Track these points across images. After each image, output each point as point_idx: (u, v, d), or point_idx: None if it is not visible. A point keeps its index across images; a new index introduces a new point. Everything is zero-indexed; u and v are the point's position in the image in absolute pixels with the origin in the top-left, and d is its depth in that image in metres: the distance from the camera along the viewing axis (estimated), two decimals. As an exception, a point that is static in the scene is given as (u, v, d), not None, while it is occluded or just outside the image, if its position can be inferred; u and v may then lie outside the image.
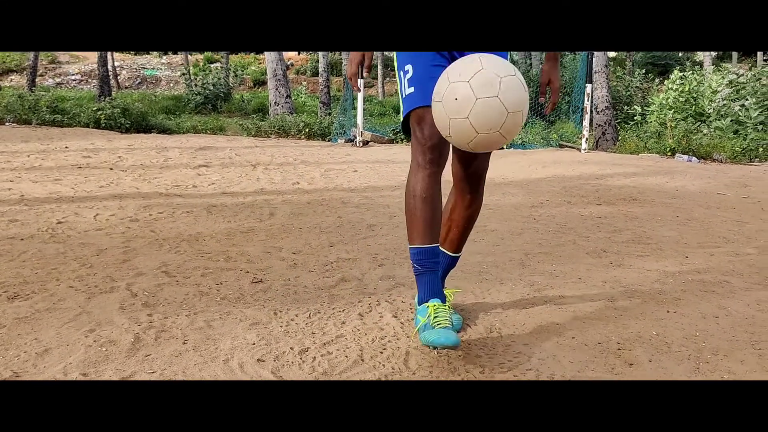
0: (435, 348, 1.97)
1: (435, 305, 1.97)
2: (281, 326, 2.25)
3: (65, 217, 3.89)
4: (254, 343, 2.08)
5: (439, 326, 1.90)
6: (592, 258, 3.38)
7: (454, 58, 2.03)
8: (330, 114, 13.89)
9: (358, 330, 2.25)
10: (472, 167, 2.19)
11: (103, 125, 10.35)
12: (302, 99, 19.62)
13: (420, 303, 2.04)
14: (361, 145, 9.52)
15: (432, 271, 2.03)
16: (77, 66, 24.88)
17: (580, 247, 3.61)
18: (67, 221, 3.78)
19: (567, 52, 17.81)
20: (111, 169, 5.98)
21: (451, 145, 2.06)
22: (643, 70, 18.95)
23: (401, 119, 2.14)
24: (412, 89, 2.06)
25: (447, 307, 1.98)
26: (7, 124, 10.09)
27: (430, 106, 1.96)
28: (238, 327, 2.23)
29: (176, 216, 4.06)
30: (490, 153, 2.17)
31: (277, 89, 13.53)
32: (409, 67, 2.08)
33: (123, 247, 3.25)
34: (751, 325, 2.43)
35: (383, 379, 1.88)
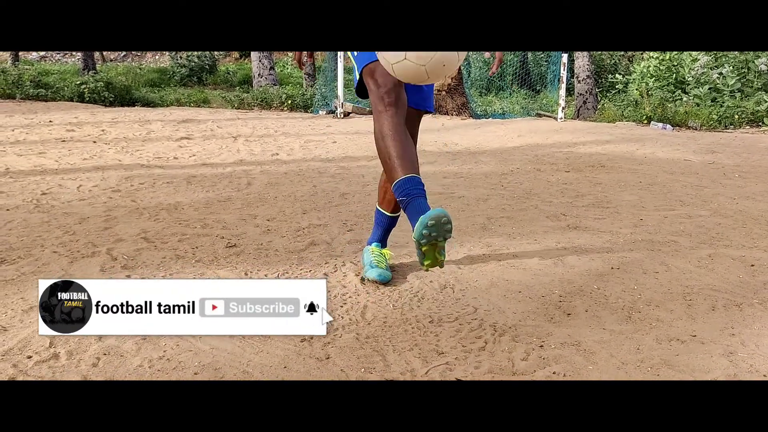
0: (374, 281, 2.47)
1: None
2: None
3: (49, 188, 4.04)
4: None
5: (380, 265, 2.49)
6: (551, 221, 3.58)
7: None
8: (313, 86, 13.96)
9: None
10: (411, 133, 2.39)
11: (87, 99, 10.42)
12: (288, 70, 19.61)
13: (413, 224, 2.03)
14: (342, 116, 9.65)
15: (420, 196, 2.05)
16: (60, 39, 24.67)
17: (541, 212, 3.80)
18: (51, 192, 3.93)
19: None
20: (94, 142, 6.10)
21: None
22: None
23: (355, 84, 2.33)
24: (359, 55, 2.25)
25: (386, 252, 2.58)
26: (-10, 99, 10.15)
27: (377, 61, 2.14)
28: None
29: (157, 186, 4.22)
30: (419, 123, 2.44)
31: (260, 61, 13.57)
32: (357, 53, 2.27)
33: (104, 216, 3.41)
34: (687, 279, 2.64)
35: (340, 330, 2.07)
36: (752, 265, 2.83)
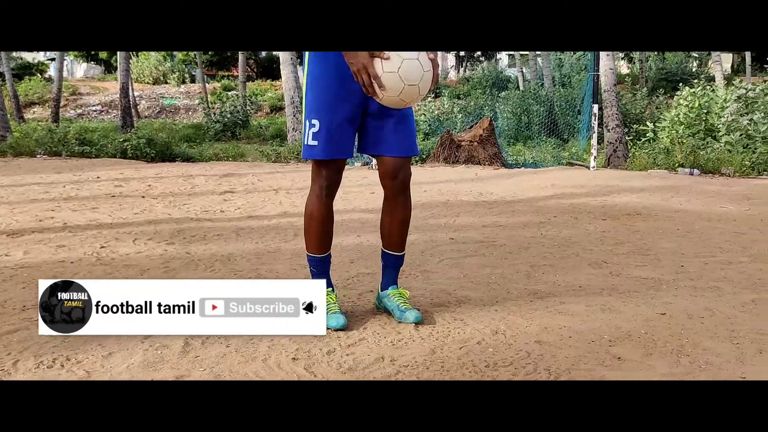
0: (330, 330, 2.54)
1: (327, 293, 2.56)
2: (311, 332, 2.56)
3: (107, 242, 4.23)
4: (288, 345, 2.39)
5: (330, 312, 2.57)
6: (594, 269, 3.66)
7: (357, 123, 2.56)
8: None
9: (378, 333, 2.54)
10: (399, 177, 2.61)
11: (130, 155, 10.81)
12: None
13: None
14: (377, 168, 9.85)
15: (323, 274, 2.69)
16: (97, 97, 25.54)
17: (582, 259, 3.89)
18: (109, 245, 4.12)
19: (575, 74, 18.14)
20: (143, 197, 6.35)
21: (377, 169, 2.62)
22: (650, 88, 19.24)
23: (303, 155, 2.60)
24: (315, 142, 2.50)
25: (334, 295, 2.69)
26: (38, 156, 10.56)
27: (330, 160, 2.52)
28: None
29: (208, 239, 4.39)
30: (410, 165, 2.65)
31: (294, 116, 13.96)
32: (316, 122, 2.48)
33: (163, 267, 3.58)
34: (732, 323, 2.70)
35: (402, 377, 2.18)
36: (797, 310, 2.88)
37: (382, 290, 2.81)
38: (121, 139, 11.27)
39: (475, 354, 2.35)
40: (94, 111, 24.40)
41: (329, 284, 2.71)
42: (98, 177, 7.78)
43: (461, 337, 2.53)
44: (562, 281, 3.38)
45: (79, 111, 24.15)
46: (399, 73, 2.30)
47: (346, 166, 2.92)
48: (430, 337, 2.53)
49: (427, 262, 3.75)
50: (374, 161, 9.89)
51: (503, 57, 34.53)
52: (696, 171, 9.67)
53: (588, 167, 9.86)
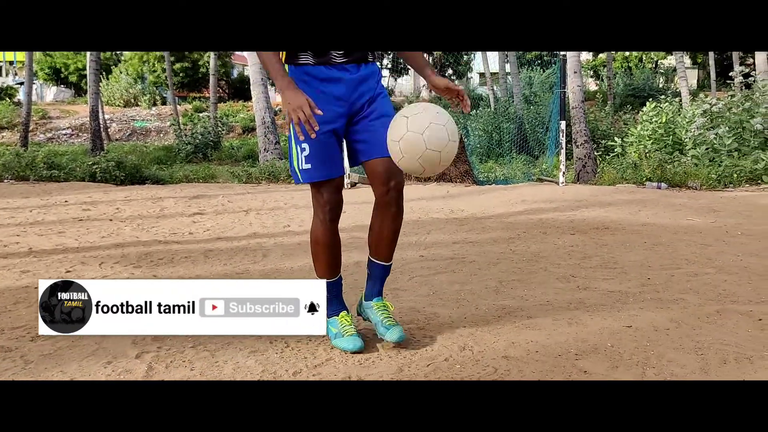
0: (346, 352, 2.53)
1: (342, 315, 2.61)
2: (277, 353, 2.53)
3: (72, 266, 4.16)
4: (254, 368, 2.36)
5: (347, 334, 2.56)
6: (562, 283, 3.69)
7: (341, 139, 2.58)
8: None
9: (345, 353, 2.53)
10: (392, 184, 2.56)
11: (99, 178, 10.68)
12: (291, 144, 20.00)
13: (330, 316, 2.60)
14: (349, 187, 9.86)
15: (335, 297, 2.67)
16: (67, 121, 25.29)
17: (551, 274, 3.91)
18: (74, 270, 4.06)
19: (543, 92, 18.40)
20: (110, 220, 6.27)
21: (369, 177, 2.59)
22: (618, 104, 19.58)
23: (296, 178, 2.58)
24: (309, 165, 2.50)
25: (350, 317, 2.66)
26: (5, 181, 10.40)
27: (326, 180, 2.52)
28: (238, 355, 2.51)
29: (176, 261, 4.34)
30: (402, 173, 2.59)
31: (266, 136, 13.93)
32: (306, 146, 2.48)
33: (129, 291, 3.52)
34: (698, 335, 2.73)
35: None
36: (760, 320, 2.92)
37: (366, 299, 2.74)
38: (90, 163, 11.13)
39: (442, 371, 2.35)
40: (64, 135, 24.15)
41: (343, 306, 2.70)
42: (66, 201, 7.67)
43: (429, 354, 2.52)
44: (530, 296, 3.39)
45: (48, 135, 23.87)
46: (423, 136, 2.26)
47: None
48: (398, 355, 2.52)
49: (397, 280, 3.75)
50: (346, 180, 9.90)
51: (474, 75, 34.91)
52: (663, 185, 9.83)
53: (557, 183, 9.95)
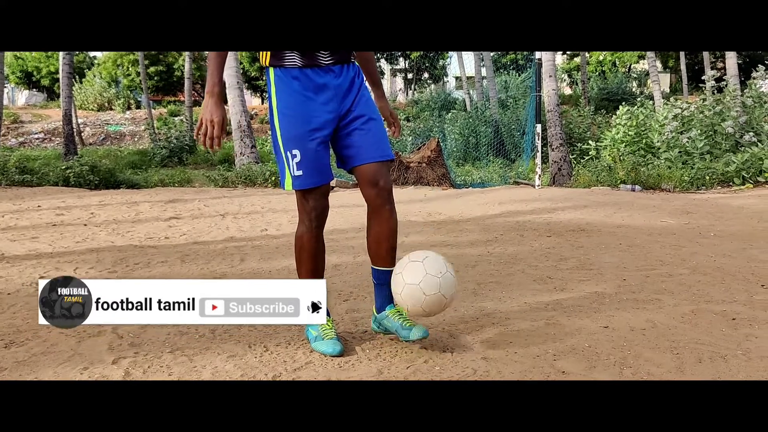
0: (326, 356, 2.54)
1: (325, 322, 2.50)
2: (256, 357, 2.52)
3: (46, 271, 4.11)
4: (232, 372, 2.35)
5: (327, 338, 2.57)
6: (539, 284, 3.71)
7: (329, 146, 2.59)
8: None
9: (324, 357, 2.52)
10: (380, 184, 2.57)
11: (73, 183, 10.54)
12: (268, 148, 19.94)
13: None
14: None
15: None
16: (40, 125, 24.95)
17: (528, 276, 3.94)
18: (48, 275, 4.00)
19: (519, 96, 18.52)
20: (85, 225, 6.19)
21: (359, 181, 2.62)
22: (593, 107, 19.79)
23: (287, 187, 2.58)
24: (300, 172, 2.51)
25: (331, 321, 2.66)
26: (-25, 186, 10.24)
27: (316, 187, 2.54)
28: (216, 359, 2.49)
29: (152, 266, 4.30)
30: (389, 173, 2.64)
31: (242, 140, 13.84)
32: (296, 152, 2.50)
33: (105, 297, 3.48)
34: (673, 334, 2.76)
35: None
36: (733, 319, 2.97)
37: (378, 312, 2.71)
38: (63, 167, 10.99)
39: (422, 373, 2.35)
40: (37, 139, 23.82)
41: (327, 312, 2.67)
42: (39, 206, 7.57)
43: (408, 356, 2.53)
44: (507, 297, 3.41)
45: (20, 139, 23.53)
46: (420, 285, 2.45)
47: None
48: (377, 357, 2.52)
49: (375, 283, 3.74)
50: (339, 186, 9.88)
51: (451, 80, 35.06)
52: (637, 187, 9.96)
53: (533, 186, 10.02)
